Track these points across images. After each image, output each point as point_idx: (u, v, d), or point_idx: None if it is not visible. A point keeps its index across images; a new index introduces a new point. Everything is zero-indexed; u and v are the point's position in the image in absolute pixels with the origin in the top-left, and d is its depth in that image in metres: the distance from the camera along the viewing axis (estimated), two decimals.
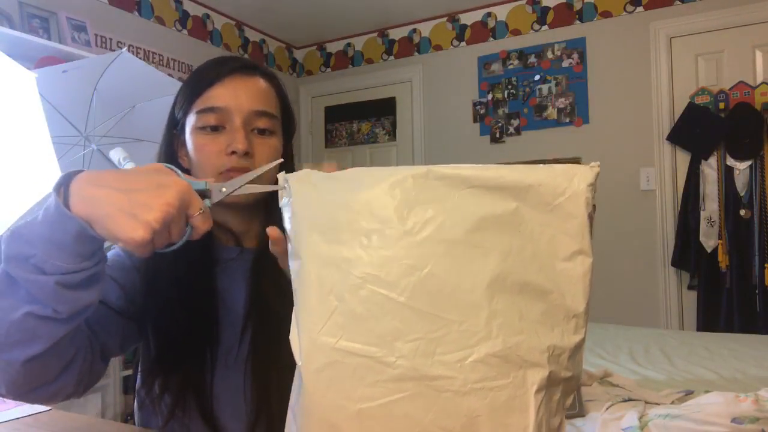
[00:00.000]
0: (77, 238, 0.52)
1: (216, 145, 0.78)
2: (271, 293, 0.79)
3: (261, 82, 0.83)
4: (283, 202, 0.53)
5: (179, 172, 0.56)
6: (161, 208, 0.50)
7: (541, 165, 0.48)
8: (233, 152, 0.77)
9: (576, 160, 3.31)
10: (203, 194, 0.57)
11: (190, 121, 0.81)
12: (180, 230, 0.53)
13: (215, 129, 0.79)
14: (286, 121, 0.87)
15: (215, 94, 0.79)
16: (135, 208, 0.50)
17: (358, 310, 0.45)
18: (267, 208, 0.86)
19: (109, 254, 0.81)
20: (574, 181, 0.47)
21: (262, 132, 0.81)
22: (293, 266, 0.50)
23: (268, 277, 0.80)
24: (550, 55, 3.42)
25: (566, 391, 0.46)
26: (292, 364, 0.49)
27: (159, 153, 0.86)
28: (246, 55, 3.81)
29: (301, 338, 0.47)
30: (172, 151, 0.85)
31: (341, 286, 0.46)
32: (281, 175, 0.53)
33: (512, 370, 0.43)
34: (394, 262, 0.45)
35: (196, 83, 0.81)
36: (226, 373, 0.79)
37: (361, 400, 0.44)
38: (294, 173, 0.53)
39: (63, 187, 0.53)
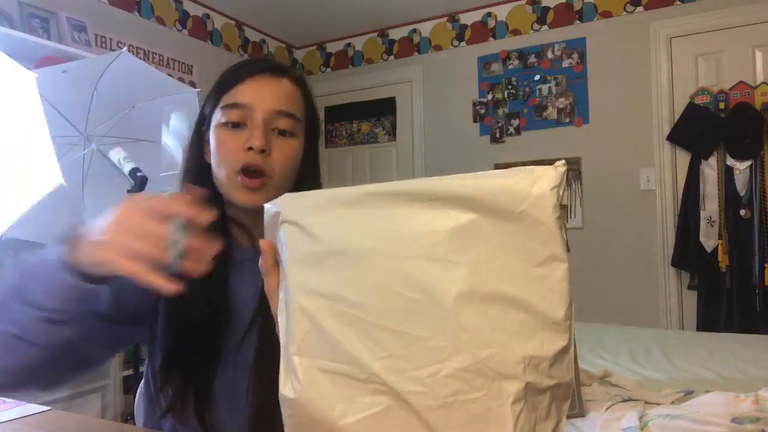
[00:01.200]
0: (65, 284, 0.61)
1: (235, 141, 0.79)
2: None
3: (288, 84, 0.84)
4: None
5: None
6: (113, 223, 0.57)
7: (504, 170, 0.46)
8: (250, 148, 0.77)
9: (576, 160, 3.31)
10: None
11: (216, 117, 0.82)
12: (157, 229, 0.56)
13: (237, 125, 0.80)
14: (310, 127, 0.87)
15: (241, 92, 0.81)
16: (100, 235, 0.58)
17: (330, 331, 0.47)
18: None
19: None
20: (535, 186, 0.45)
21: (282, 133, 0.81)
22: (280, 287, 0.52)
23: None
24: (550, 55, 3.42)
25: (558, 397, 0.46)
26: None
27: (187, 149, 0.88)
28: (246, 55, 3.82)
29: (282, 359, 0.50)
30: (199, 146, 0.86)
31: (312, 308, 0.48)
32: (267, 206, 0.54)
33: (486, 383, 0.43)
34: (360, 281, 0.46)
35: (225, 80, 0.83)
36: (228, 372, 0.79)
37: (341, 417, 0.45)
38: (275, 201, 0.53)
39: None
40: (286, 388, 0.48)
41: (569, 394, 0.47)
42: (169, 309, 0.79)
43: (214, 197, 0.82)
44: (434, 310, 0.44)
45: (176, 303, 0.77)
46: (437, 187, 0.46)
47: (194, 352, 0.78)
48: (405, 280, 0.45)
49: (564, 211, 0.46)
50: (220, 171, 0.81)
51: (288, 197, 0.52)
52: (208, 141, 0.84)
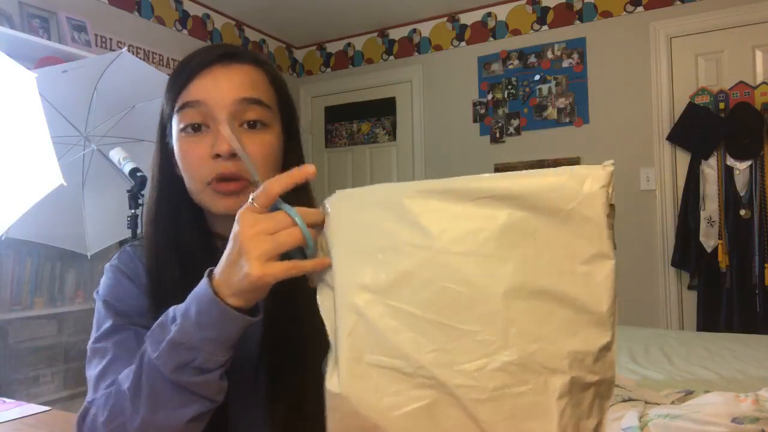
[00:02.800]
0: (243, 328, 0.55)
1: (199, 148, 0.68)
2: (287, 321, 0.72)
3: (250, 69, 0.71)
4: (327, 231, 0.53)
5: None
6: (240, 240, 0.53)
7: (551, 169, 0.47)
8: (218, 155, 0.66)
9: (576, 161, 3.30)
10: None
11: (174, 122, 0.71)
12: (277, 221, 0.53)
13: (197, 129, 0.69)
14: (285, 114, 0.75)
15: (194, 88, 0.69)
16: (235, 262, 0.54)
17: (378, 325, 0.47)
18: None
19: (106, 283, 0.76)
20: (585, 184, 0.46)
21: (253, 125, 0.69)
22: (322, 286, 0.52)
23: (282, 303, 0.72)
24: (550, 55, 3.42)
25: (600, 394, 0.47)
26: (313, 395, 0.50)
27: (153, 161, 0.77)
28: None
29: (330, 356, 0.50)
30: (167, 161, 0.75)
31: (360, 302, 0.48)
32: (324, 203, 0.53)
33: (532, 377, 0.44)
34: (411, 276, 0.47)
35: (177, 78, 0.71)
36: (243, 402, 0.71)
37: (389, 409, 0.46)
38: (329, 199, 0.53)
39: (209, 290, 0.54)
40: (331, 383, 0.49)
41: (611, 392, 0.47)
42: None
43: (190, 209, 0.73)
44: (483, 305, 0.45)
45: None
46: (486, 184, 0.47)
47: None
48: (454, 276, 0.46)
49: (612, 210, 0.46)
50: (190, 183, 0.71)
51: (338, 195, 0.52)
52: (174, 150, 0.72)
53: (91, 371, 0.68)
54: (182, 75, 0.70)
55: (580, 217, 0.45)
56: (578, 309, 0.45)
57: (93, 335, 0.71)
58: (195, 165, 0.69)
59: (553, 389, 0.44)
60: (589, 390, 0.46)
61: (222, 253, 0.63)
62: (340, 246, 0.51)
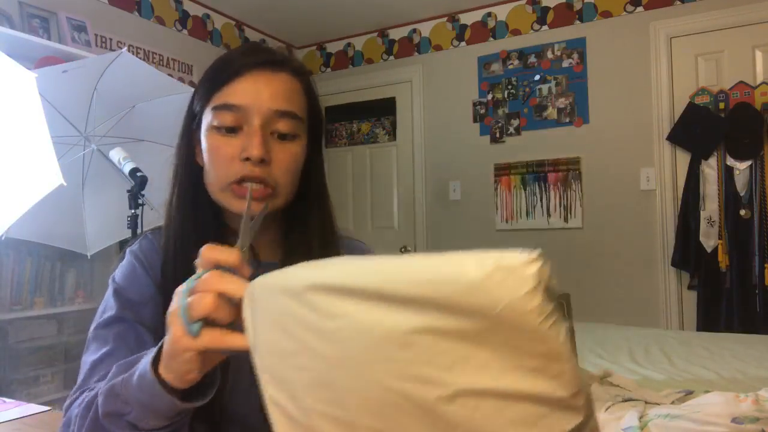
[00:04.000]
0: (174, 410, 0.54)
1: (230, 148, 0.70)
2: None
3: (288, 79, 0.74)
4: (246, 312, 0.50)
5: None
6: (170, 319, 0.52)
7: (469, 257, 0.38)
8: (247, 158, 0.69)
9: (576, 160, 3.30)
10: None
11: (207, 117, 0.73)
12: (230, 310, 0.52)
13: (231, 130, 0.71)
14: (313, 124, 0.78)
15: (234, 90, 0.71)
16: (170, 346, 0.52)
17: (301, 421, 0.44)
18: (284, 217, 0.80)
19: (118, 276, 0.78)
20: (508, 287, 0.37)
21: (283, 137, 0.72)
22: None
23: None
24: (550, 55, 3.42)
25: None
26: None
27: (176, 149, 0.79)
28: None
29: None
30: (190, 148, 0.77)
31: (282, 401, 0.46)
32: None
33: None
34: (331, 384, 0.43)
35: (217, 75, 0.73)
36: (240, 397, 0.72)
37: None
38: (259, 279, 0.49)
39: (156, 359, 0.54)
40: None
41: None
42: None
43: (209, 204, 0.75)
44: (417, 410, 0.40)
45: None
46: (395, 286, 0.40)
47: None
48: (378, 386, 0.41)
49: (559, 303, 0.38)
50: (213, 179, 0.73)
51: (259, 282, 0.49)
52: (200, 141, 0.75)
53: (87, 357, 0.70)
54: (224, 73, 0.72)
55: (511, 322, 0.37)
56: (533, 400, 0.39)
57: (97, 320, 0.73)
58: (223, 163, 0.71)
59: None
60: None
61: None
62: (256, 336, 0.48)
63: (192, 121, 0.77)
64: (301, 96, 0.76)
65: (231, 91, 0.71)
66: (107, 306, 0.74)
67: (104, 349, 0.69)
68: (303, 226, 0.80)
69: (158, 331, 0.72)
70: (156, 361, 0.54)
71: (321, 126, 0.81)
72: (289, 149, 0.73)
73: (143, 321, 0.72)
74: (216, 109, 0.71)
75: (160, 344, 0.54)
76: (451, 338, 0.39)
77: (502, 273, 0.37)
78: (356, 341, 0.42)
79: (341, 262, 0.46)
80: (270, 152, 0.71)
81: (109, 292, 0.75)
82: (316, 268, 0.46)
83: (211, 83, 0.73)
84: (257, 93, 0.71)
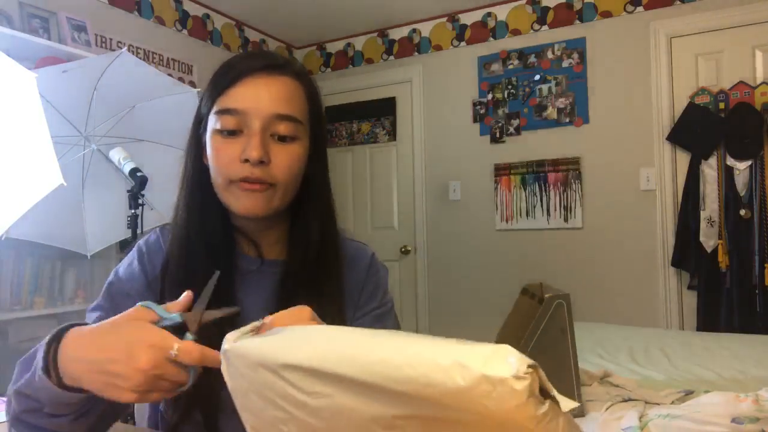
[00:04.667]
0: (79, 400, 0.59)
1: (231, 150, 0.73)
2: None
3: (288, 82, 0.76)
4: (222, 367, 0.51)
5: (158, 309, 0.57)
6: (135, 376, 0.53)
7: (453, 353, 0.36)
8: (247, 160, 0.72)
9: (576, 160, 3.30)
10: (183, 327, 0.58)
11: (211, 120, 0.76)
12: (176, 372, 0.54)
13: (233, 133, 0.74)
14: (315, 126, 0.80)
15: (236, 95, 0.74)
16: (113, 379, 0.54)
17: None
18: (289, 215, 0.82)
19: (120, 273, 0.82)
20: (493, 399, 0.34)
21: (283, 139, 0.74)
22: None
23: (297, 294, 0.76)
24: (550, 55, 3.42)
25: None
26: None
27: (186, 152, 0.82)
28: None
29: None
30: (198, 150, 0.80)
31: None
32: (229, 336, 0.52)
33: None
34: None
35: (220, 80, 0.76)
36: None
37: None
38: (233, 345, 0.50)
39: (53, 353, 0.57)
40: None
41: None
42: None
43: (217, 204, 0.78)
44: None
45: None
46: (375, 379, 0.39)
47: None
48: None
49: (551, 407, 0.35)
50: (217, 180, 0.76)
51: (230, 350, 0.49)
52: (206, 144, 0.78)
53: None
54: (226, 77, 0.75)
55: (503, 424, 0.35)
56: None
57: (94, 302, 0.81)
58: (225, 164, 0.74)
59: None
60: None
61: (241, 250, 0.79)
62: (241, 397, 0.49)
63: (199, 125, 0.80)
64: (302, 99, 0.78)
65: (232, 96, 0.74)
66: (102, 291, 0.81)
67: None
68: (304, 225, 0.82)
69: None
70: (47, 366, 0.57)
71: (323, 129, 0.83)
72: (288, 151, 0.75)
73: (121, 306, 0.77)
74: (219, 113, 0.74)
75: (48, 344, 0.58)
76: (439, 424, 0.37)
77: (490, 384, 0.34)
78: (343, 419, 0.41)
79: (313, 336, 0.45)
80: (269, 153, 0.73)
81: (107, 281, 0.82)
82: (288, 340, 0.46)
83: (214, 88, 0.76)
84: (257, 97, 0.73)
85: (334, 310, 0.79)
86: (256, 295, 0.80)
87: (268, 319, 0.56)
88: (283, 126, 0.74)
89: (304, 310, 0.58)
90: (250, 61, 0.76)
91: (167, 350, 0.53)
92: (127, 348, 0.53)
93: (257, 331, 0.53)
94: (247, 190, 0.73)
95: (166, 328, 0.56)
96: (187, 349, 0.54)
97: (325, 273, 0.81)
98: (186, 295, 0.61)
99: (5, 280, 2.26)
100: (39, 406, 0.59)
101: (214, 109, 0.75)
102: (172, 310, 0.59)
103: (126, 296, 0.78)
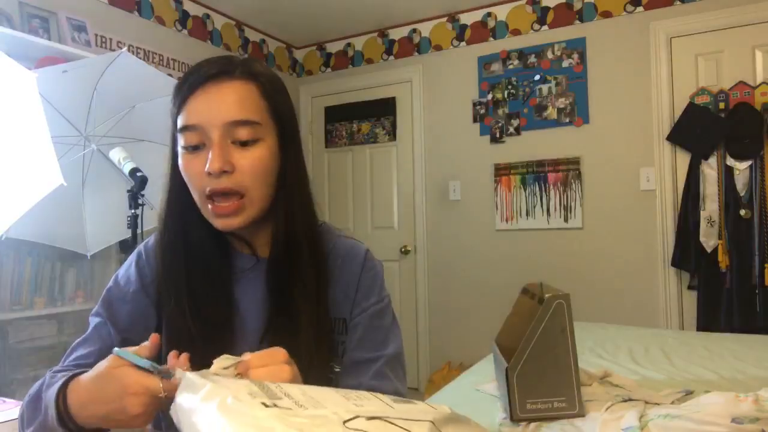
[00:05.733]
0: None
1: (196, 164, 0.74)
2: (286, 308, 0.78)
3: (239, 86, 0.75)
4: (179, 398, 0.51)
5: (130, 357, 0.60)
6: (136, 420, 0.60)
7: None
8: (210, 173, 0.72)
9: (576, 160, 3.30)
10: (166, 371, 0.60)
11: (178, 138, 0.77)
12: (170, 400, 0.55)
13: (197, 148, 0.75)
14: (280, 123, 0.79)
15: (190, 110, 0.74)
16: (122, 424, 0.61)
17: None
18: (274, 215, 0.82)
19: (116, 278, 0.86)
20: None
21: (245, 143, 0.74)
22: None
23: (283, 292, 0.79)
24: (550, 55, 3.42)
25: None
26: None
27: (167, 171, 0.82)
28: (246, 55, 3.81)
29: None
30: (177, 165, 0.80)
31: None
32: (179, 373, 0.55)
33: None
34: None
35: (176, 97, 0.77)
36: None
37: None
38: (179, 399, 0.50)
39: (63, 406, 0.65)
40: None
41: None
42: (175, 328, 0.78)
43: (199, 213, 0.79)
44: None
45: (181, 321, 0.77)
46: None
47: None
48: None
49: None
50: (194, 195, 0.77)
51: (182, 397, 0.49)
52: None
53: (78, 336, 0.82)
54: (180, 93, 0.76)
55: None
56: None
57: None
58: (193, 179, 0.75)
59: None
60: None
61: (235, 249, 0.82)
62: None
63: (175, 142, 0.80)
64: (257, 99, 0.76)
65: (188, 112, 0.75)
66: (102, 296, 0.84)
67: (84, 335, 0.81)
68: (288, 219, 0.82)
69: (130, 329, 0.80)
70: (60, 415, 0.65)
71: (290, 124, 0.81)
72: (252, 154, 0.75)
73: (116, 320, 0.80)
74: (181, 131, 0.76)
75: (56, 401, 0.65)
76: None
77: None
78: None
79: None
80: (232, 161, 0.73)
81: (107, 286, 0.85)
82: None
83: (174, 103, 0.78)
84: (209, 108, 0.73)
85: (321, 311, 0.80)
86: (252, 293, 0.81)
87: (247, 356, 0.58)
88: (242, 131, 0.74)
89: (278, 353, 0.60)
90: (199, 72, 0.76)
91: (155, 393, 0.58)
92: (118, 400, 0.59)
93: (236, 367, 0.56)
94: (216, 213, 0.75)
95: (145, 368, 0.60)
96: (174, 387, 0.56)
97: (306, 267, 0.81)
98: (152, 338, 0.65)
99: (5, 280, 2.26)
100: None
101: (178, 126, 0.76)
102: (143, 354, 0.62)
103: (122, 302, 0.81)
